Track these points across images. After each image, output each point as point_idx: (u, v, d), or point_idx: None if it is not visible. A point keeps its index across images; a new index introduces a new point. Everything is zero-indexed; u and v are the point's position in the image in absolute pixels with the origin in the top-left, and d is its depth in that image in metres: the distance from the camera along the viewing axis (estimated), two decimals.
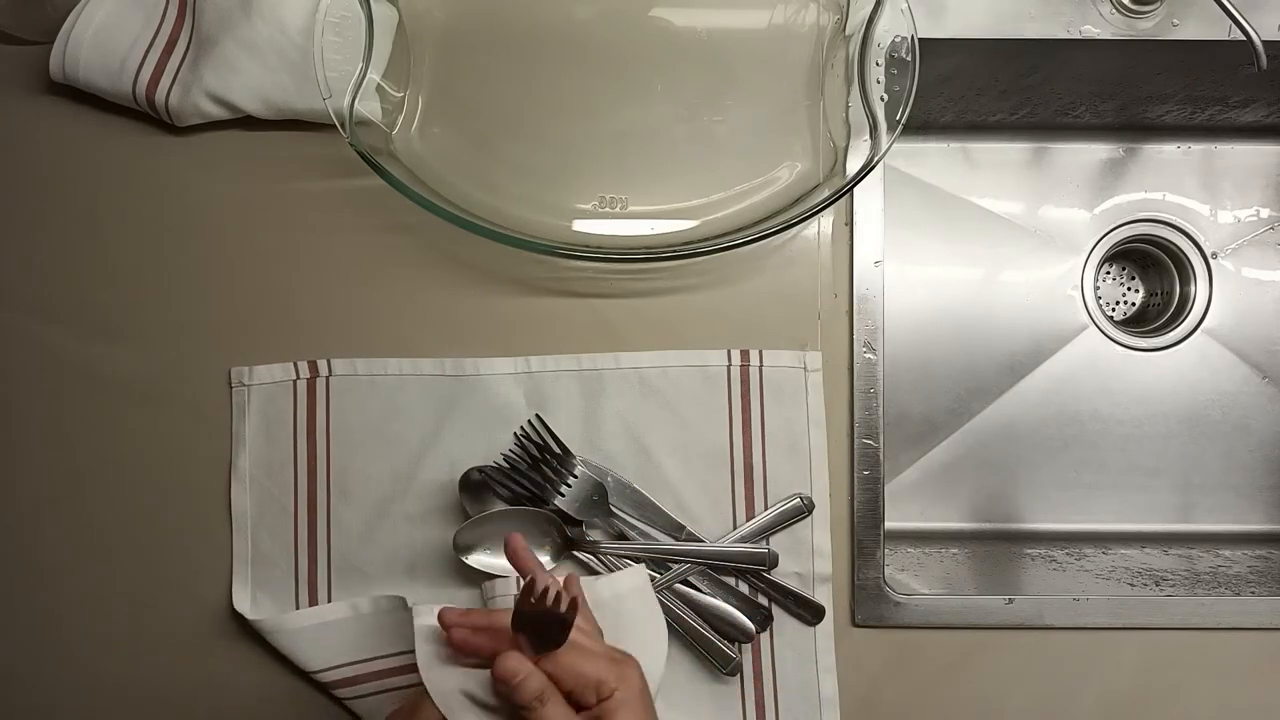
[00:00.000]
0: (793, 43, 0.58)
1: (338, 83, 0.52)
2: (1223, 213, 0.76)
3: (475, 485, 0.55)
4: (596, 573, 0.55)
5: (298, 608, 0.57)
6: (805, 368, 0.57)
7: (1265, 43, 0.54)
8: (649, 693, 0.41)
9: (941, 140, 0.76)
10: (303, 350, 0.58)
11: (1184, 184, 0.76)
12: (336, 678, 0.55)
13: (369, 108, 0.54)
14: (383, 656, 0.55)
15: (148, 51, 0.57)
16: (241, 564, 0.57)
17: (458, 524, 0.54)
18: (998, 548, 0.71)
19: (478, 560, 0.54)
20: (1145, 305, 0.78)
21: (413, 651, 0.43)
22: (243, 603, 0.56)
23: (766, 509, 0.56)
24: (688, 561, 0.55)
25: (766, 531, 0.56)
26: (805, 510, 0.56)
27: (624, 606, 0.47)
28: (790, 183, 0.57)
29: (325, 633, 0.55)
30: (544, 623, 0.39)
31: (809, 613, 0.56)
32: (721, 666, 0.55)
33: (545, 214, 0.56)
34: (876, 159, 0.52)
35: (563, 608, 0.38)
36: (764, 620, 0.55)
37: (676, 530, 0.56)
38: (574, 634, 0.40)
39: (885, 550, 0.57)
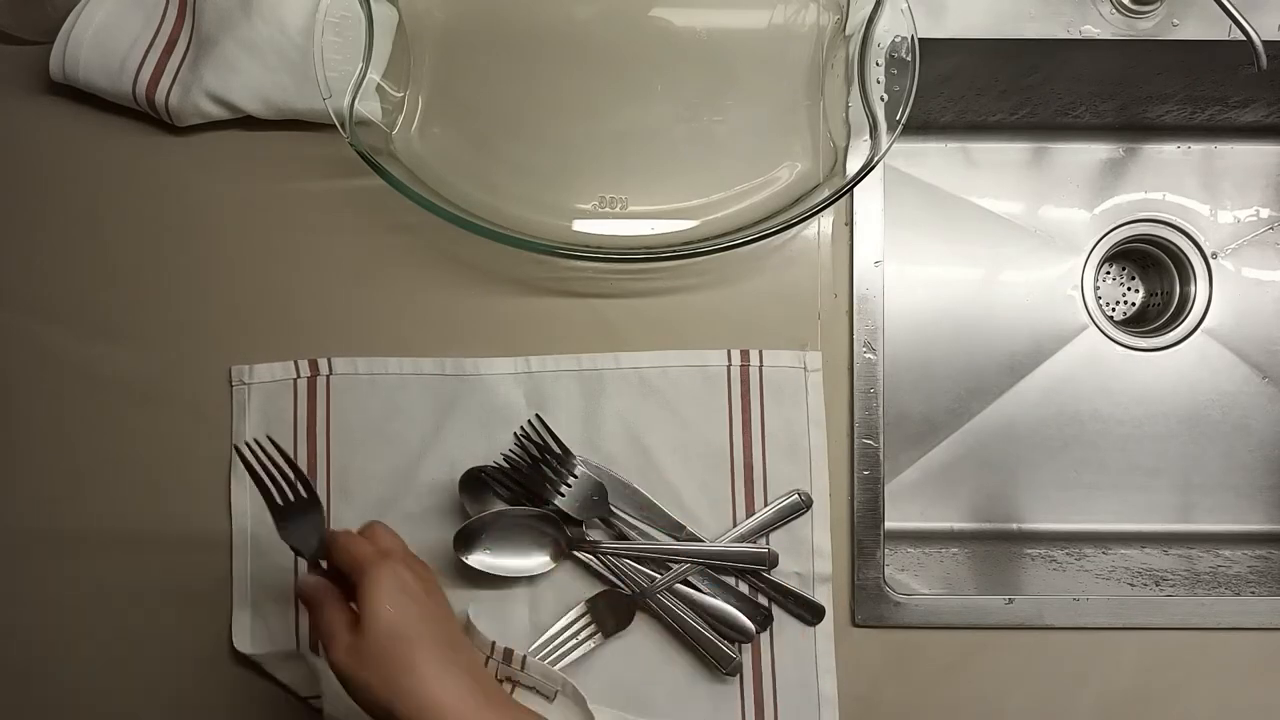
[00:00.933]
0: (793, 43, 0.58)
1: (338, 83, 0.52)
2: (1223, 213, 0.76)
3: (475, 485, 0.55)
4: (598, 573, 0.55)
5: (297, 607, 0.57)
6: (805, 368, 0.57)
7: (1265, 43, 0.54)
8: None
9: (941, 140, 0.76)
10: (303, 349, 0.58)
11: (1184, 184, 0.76)
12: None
13: (369, 108, 0.54)
14: None
15: (148, 51, 0.57)
16: (241, 564, 0.57)
17: (458, 524, 0.54)
18: (998, 548, 0.71)
19: (478, 560, 0.54)
20: (1145, 305, 0.78)
21: None
22: (243, 604, 0.56)
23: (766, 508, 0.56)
24: (688, 561, 0.55)
25: (766, 528, 0.56)
26: (804, 506, 0.56)
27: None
28: (790, 183, 0.57)
29: (302, 664, 0.56)
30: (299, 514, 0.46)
31: (809, 613, 0.56)
32: (721, 666, 0.55)
33: (545, 214, 0.56)
34: (876, 159, 0.52)
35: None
36: (764, 620, 0.55)
37: (676, 530, 0.56)
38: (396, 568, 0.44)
39: (885, 550, 0.57)
